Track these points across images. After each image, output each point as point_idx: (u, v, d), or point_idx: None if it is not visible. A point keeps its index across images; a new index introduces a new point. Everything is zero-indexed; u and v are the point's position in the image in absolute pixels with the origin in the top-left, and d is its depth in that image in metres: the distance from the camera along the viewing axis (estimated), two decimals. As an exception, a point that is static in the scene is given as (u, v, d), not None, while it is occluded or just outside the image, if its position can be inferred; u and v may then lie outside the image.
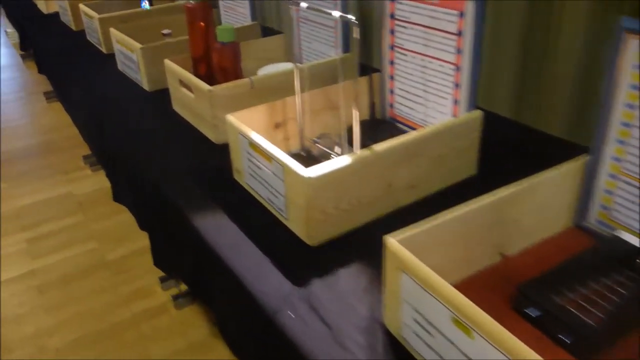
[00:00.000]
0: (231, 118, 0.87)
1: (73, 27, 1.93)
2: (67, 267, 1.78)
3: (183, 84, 1.11)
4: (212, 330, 1.50)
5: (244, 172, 0.87)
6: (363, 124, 1.00)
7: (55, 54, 1.77)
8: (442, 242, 0.61)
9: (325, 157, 0.88)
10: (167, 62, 1.15)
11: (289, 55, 1.33)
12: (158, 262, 1.12)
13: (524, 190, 0.65)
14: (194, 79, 1.05)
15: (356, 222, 0.78)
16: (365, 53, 1.29)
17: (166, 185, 0.96)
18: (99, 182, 2.25)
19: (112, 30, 1.44)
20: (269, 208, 0.83)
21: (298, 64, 0.89)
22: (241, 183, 0.90)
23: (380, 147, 0.76)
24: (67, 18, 1.97)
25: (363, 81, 1.02)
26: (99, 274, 1.74)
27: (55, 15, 2.12)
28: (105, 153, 1.34)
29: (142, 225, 1.21)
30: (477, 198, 0.63)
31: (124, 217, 1.94)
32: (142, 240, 1.84)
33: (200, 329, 1.51)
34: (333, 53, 1.19)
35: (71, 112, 1.73)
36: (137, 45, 1.29)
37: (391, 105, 1.02)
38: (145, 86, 1.34)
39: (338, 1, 1.11)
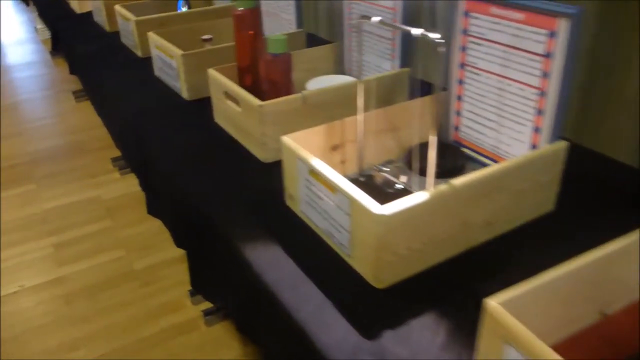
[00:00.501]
0: (287, 140, 0.79)
1: (107, 28, 1.88)
2: (94, 276, 1.72)
3: (229, 96, 1.03)
4: (244, 350, 1.43)
5: (299, 199, 0.80)
6: (424, 146, 0.93)
7: (88, 56, 1.72)
8: (544, 303, 0.53)
9: (389, 186, 0.80)
10: (211, 72, 1.08)
11: (339, 66, 1.25)
12: (197, 286, 1.05)
13: (634, 244, 0.57)
14: (242, 92, 0.97)
15: (427, 263, 0.70)
16: (422, 68, 1.20)
17: (209, 205, 0.88)
18: (127, 186, 2.19)
19: (151, 35, 1.37)
20: (328, 242, 0.75)
21: (359, 79, 0.81)
22: (295, 210, 0.83)
23: (459, 181, 0.67)
24: (101, 19, 1.91)
25: (426, 100, 0.94)
26: (126, 285, 1.67)
27: (89, 15, 2.07)
28: (141, 163, 1.27)
29: (179, 243, 1.14)
30: (585, 254, 0.54)
31: (153, 225, 1.89)
32: (171, 249, 1.78)
33: (232, 349, 1.44)
34: (388, 66, 1.11)
35: (104, 117, 1.67)
36: (178, 51, 1.22)
37: (456, 128, 0.94)
38: (185, 94, 1.27)
39: (398, 12, 1.03)
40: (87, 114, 2.86)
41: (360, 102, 0.81)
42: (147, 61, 1.52)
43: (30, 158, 2.47)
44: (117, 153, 2.33)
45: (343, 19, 1.20)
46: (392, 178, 0.80)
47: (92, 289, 1.67)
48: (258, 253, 0.76)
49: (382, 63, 1.12)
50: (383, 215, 0.62)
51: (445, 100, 0.93)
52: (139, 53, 1.59)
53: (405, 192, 0.78)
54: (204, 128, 1.14)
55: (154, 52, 1.38)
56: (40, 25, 4.24)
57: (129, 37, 1.63)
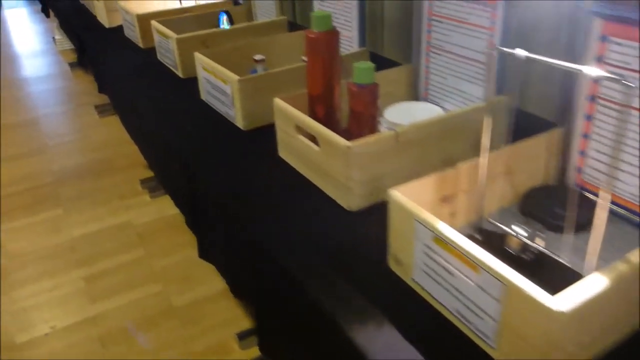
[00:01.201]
0: (398, 196, 0.65)
1: (140, 45, 1.75)
2: (131, 313, 1.59)
3: (302, 131, 0.90)
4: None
5: (412, 266, 0.66)
6: (542, 192, 0.79)
7: (121, 75, 1.59)
8: None
9: (520, 249, 0.66)
10: (278, 102, 0.95)
11: (412, 90, 1.11)
12: (266, 350, 0.91)
13: None
14: (322, 130, 0.84)
15: (591, 356, 0.56)
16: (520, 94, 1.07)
17: (286, 259, 0.75)
18: (158, 210, 2.07)
19: (198, 56, 1.24)
20: (458, 325, 0.61)
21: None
22: (402, 277, 0.69)
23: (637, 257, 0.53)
24: (133, 34, 1.79)
25: (541, 139, 0.80)
26: (166, 325, 1.54)
27: (119, 29, 1.95)
28: (189, 198, 1.14)
29: (240, 295, 1.01)
30: None
31: (189, 253, 1.76)
32: (213, 283, 1.65)
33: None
34: (477, 92, 0.97)
35: (140, 142, 1.55)
36: (234, 76, 1.09)
37: (579, 170, 0.79)
38: (240, 123, 1.14)
39: (497, 32, 0.90)
40: (111, 130, 2.74)
41: (486, 140, 0.67)
42: (189, 82, 1.39)
43: (55, 178, 2.35)
44: (145, 173, 2.21)
45: (421, 38, 1.06)
46: (528, 242, 0.66)
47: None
48: (367, 333, 0.62)
49: (467, 87, 0.99)
50: (562, 313, 0.48)
51: (562, 138, 0.80)
52: (180, 74, 1.46)
53: (543, 258, 0.65)
54: (266, 163, 1.01)
55: (202, 75, 1.25)
56: (58, 36, 4.14)
57: (168, 56, 1.50)
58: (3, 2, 6.27)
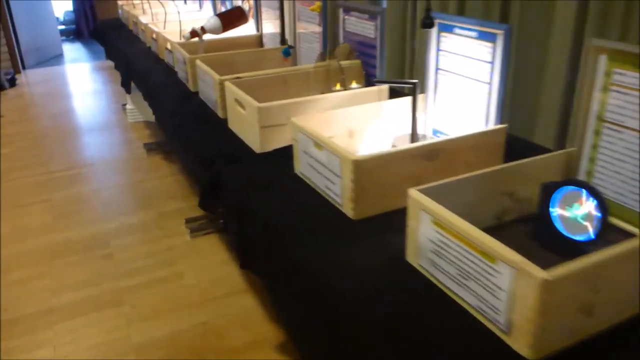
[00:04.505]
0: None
1: (350, 214, 0.94)
2: None
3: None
4: None
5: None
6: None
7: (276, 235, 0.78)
8: None
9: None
10: None
11: None
12: None
13: None
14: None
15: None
16: None
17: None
18: None
19: None
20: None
21: None
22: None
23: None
24: (334, 190, 0.97)
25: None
26: None
27: (278, 156, 1.14)
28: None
29: None
30: None
31: None
32: None
33: None
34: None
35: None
36: None
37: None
38: None
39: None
40: (212, 261, 1.94)
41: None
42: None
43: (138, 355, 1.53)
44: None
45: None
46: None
47: None
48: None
49: None
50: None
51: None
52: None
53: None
54: None
55: None
56: (130, 106, 3.43)
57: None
58: (65, 54, 5.70)
